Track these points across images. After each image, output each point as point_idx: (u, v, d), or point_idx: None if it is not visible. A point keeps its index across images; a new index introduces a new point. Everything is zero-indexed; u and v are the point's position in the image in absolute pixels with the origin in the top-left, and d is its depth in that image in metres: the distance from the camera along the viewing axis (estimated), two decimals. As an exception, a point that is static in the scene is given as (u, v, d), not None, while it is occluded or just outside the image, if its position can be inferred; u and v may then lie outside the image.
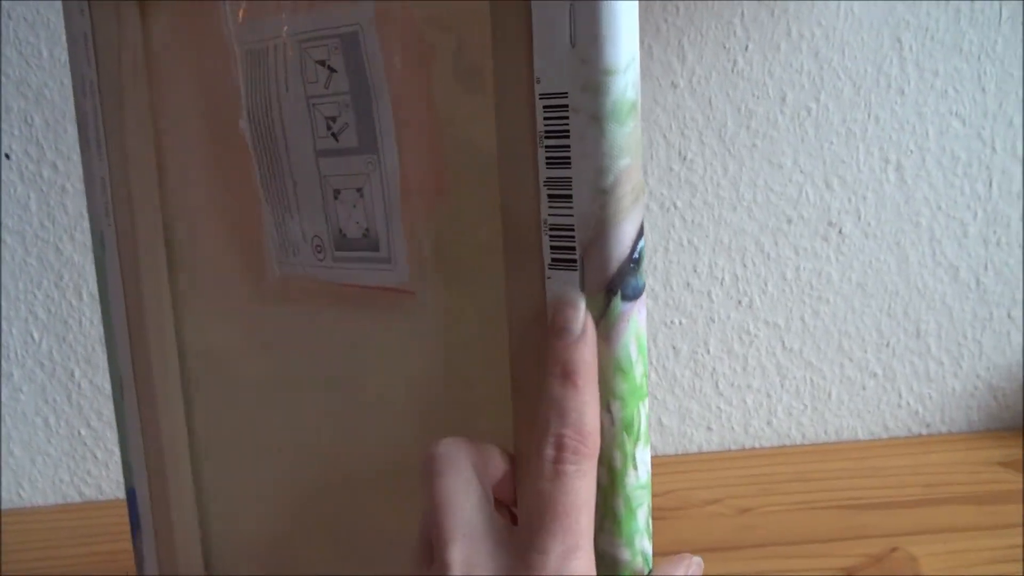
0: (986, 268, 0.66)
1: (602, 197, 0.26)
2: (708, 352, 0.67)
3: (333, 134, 0.33)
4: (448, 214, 0.32)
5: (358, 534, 0.37)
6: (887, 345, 0.67)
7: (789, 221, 0.64)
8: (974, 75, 0.62)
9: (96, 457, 0.66)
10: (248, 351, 0.40)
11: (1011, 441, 0.66)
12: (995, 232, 0.65)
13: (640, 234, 0.27)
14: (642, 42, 0.60)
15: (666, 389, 0.67)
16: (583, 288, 0.27)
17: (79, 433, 0.66)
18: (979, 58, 0.62)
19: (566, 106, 0.26)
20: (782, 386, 0.68)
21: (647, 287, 0.64)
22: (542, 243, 0.27)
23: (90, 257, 0.63)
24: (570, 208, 0.27)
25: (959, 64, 0.62)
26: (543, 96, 0.26)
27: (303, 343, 0.37)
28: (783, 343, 0.67)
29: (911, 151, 0.63)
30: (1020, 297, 0.66)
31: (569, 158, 0.26)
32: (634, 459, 0.28)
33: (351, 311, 0.35)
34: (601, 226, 0.26)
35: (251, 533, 0.42)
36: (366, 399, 0.36)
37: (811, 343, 0.67)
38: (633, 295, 0.27)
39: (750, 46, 0.62)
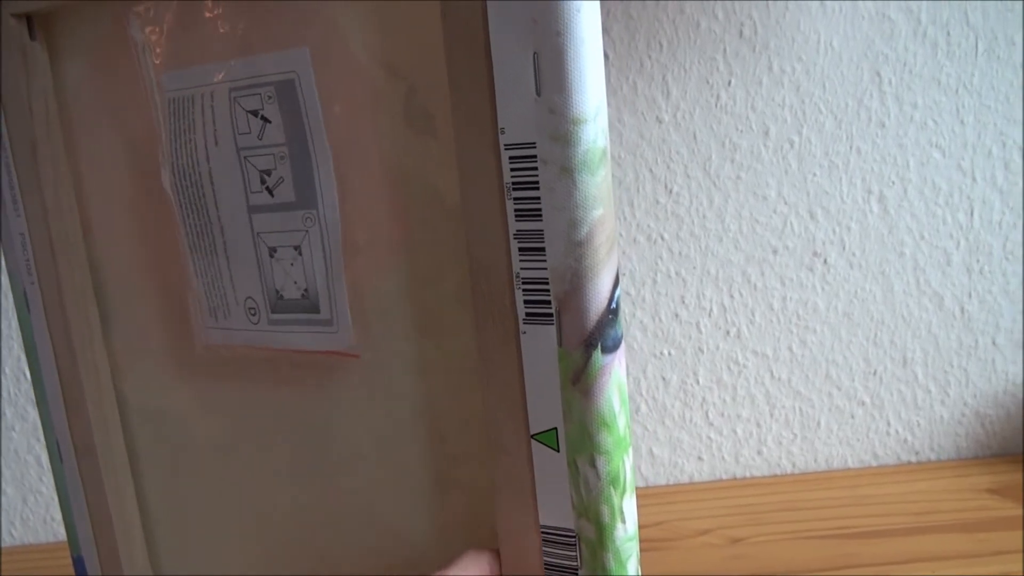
0: (970, 296, 0.66)
1: (577, 250, 0.25)
2: (698, 382, 0.67)
3: (268, 188, 0.31)
4: (409, 265, 0.31)
5: None
6: (874, 374, 0.67)
7: (775, 252, 0.65)
8: (953, 107, 0.63)
9: (88, 495, 0.66)
10: (194, 415, 0.38)
11: (1000, 468, 0.66)
12: (978, 261, 0.66)
13: (616, 283, 0.26)
14: (626, 78, 0.62)
15: (656, 420, 0.68)
16: (560, 342, 0.26)
17: None
18: (957, 91, 0.63)
19: (534, 157, 0.25)
20: (771, 415, 0.68)
21: (638, 321, 0.64)
22: (515, 297, 0.27)
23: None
24: (543, 261, 0.26)
25: (938, 97, 0.63)
26: (509, 147, 0.25)
27: (251, 406, 0.36)
28: (771, 372, 0.67)
29: (893, 182, 0.64)
30: (1004, 324, 0.67)
31: (540, 210, 0.25)
32: (622, 512, 0.27)
33: (295, 373, 0.34)
34: (577, 279, 0.25)
35: None
36: (332, 460, 0.35)
37: (799, 372, 0.67)
38: (613, 346, 0.26)
39: (733, 81, 0.63)
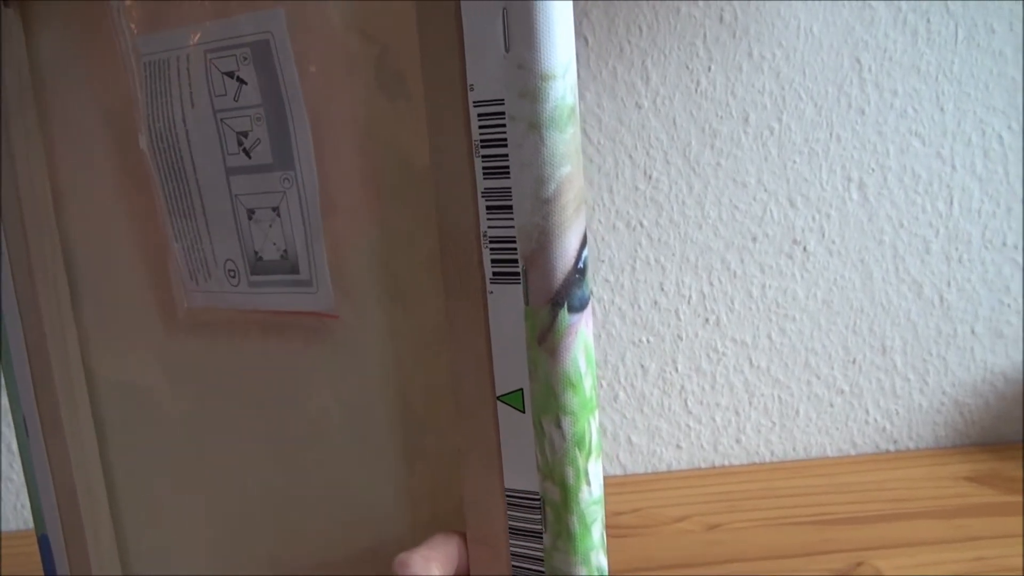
0: (949, 285, 0.66)
1: (544, 207, 0.25)
2: (676, 370, 0.67)
3: (245, 150, 0.31)
4: (380, 230, 0.30)
5: (296, 569, 0.36)
6: (853, 362, 0.67)
7: (754, 239, 0.65)
8: (932, 95, 0.63)
9: (60, 481, 0.65)
10: (167, 385, 0.38)
11: (978, 456, 0.66)
12: (957, 249, 0.66)
13: (584, 243, 0.26)
14: (606, 63, 0.61)
15: (635, 408, 0.67)
16: (527, 302, 0.26)
17: (43, 457, 0.65)
18: (937, 78, 0.63)
19: (503, 114, 0.25)
20: (750, 404, 0.68)
21: (616, 308, 0.64)
22: (482, 256, 0.27)
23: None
24: (511, 219, 0.26)
25: (917, 84, 0.63)
26: (477, 104, 0.25)
27: (224, 375, 0.36)
28: (751, 361, 0.67)
29: (873, 170, 0.64)
30: (983, 313, 0.67)
31: (508, 168, 0.25)
32: (587, 474, 0.27)
33: (271, 339, 0.33)
34: (544, 237, 0.25)
35: (178, 572, 0.40)
36: (300, 427, 0.34)
37: (778, 361, 0.67)
38: (580, 306, 0.26)
39: (713, 67, 0.63)
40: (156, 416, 0.38)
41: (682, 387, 0.67)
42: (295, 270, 0.32)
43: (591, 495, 0.27)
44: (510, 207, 0.26)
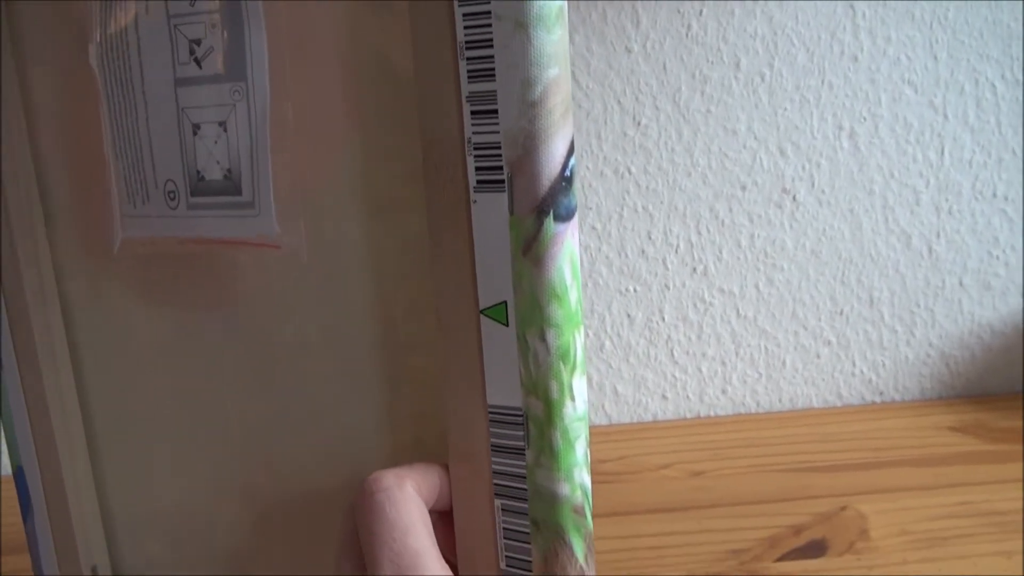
0: (938, 236, 0.66)
1: (531, 111, 0.24)
2: (663, 320, 0.67)
3: (196, 59, 0.30)
4: (360, 144, 0.29)
5: (275, 498, 0.36)
6: (841, 313, 0.67)
7: (743, 188, 0.64)
8: (926, 43, 0.63)
9: None
10: (136, 316, 0.36)
11: (963, 408, 0.66)
12: (947, 200, 0.65)
13: (571, 150, 0.25)
14: (595, 5, 0.60)
15: (621, 358, 0.67)
16: (512, 211, 0.25)
17: None
18: (931, 25, 0.62)
19: (488, 13, 0.24)
20: (737, 354, 0.68)
21: (603, 256, 0.63)
22: (467, 164, 0.26)
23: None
24: (496, 124, 0.25)
25: (911, 32, 0.62)
26: (463, 3, 0.25)
27: (198, 299, 0.34)
28: (738, 311, 0.67)
29: (864, 118, 0.64)
30: (971, 265, 0.66)
31: (493, 70, 0.25)
32: (571, 389, 0.27)
33: (243, 261, 0.32)
34: (530, 142, 0.25)
35: (160, 507, 0.39)
36: (278, 355, 0.33)
37: (765, 311, 0.67)
38: (566, 215, 0.25)
39: (704, 11, 0.62)
40: (131, 343, 0.37)
41: (668, 337, 0.67)
42: (237, 191, 0.30)
43: (575, 411, 0.27)
44: (495, 111, 0.25)
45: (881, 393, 0.69)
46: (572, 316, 0.26)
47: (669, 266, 0.66)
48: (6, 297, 0.38)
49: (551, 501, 0.27)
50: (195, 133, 0.31)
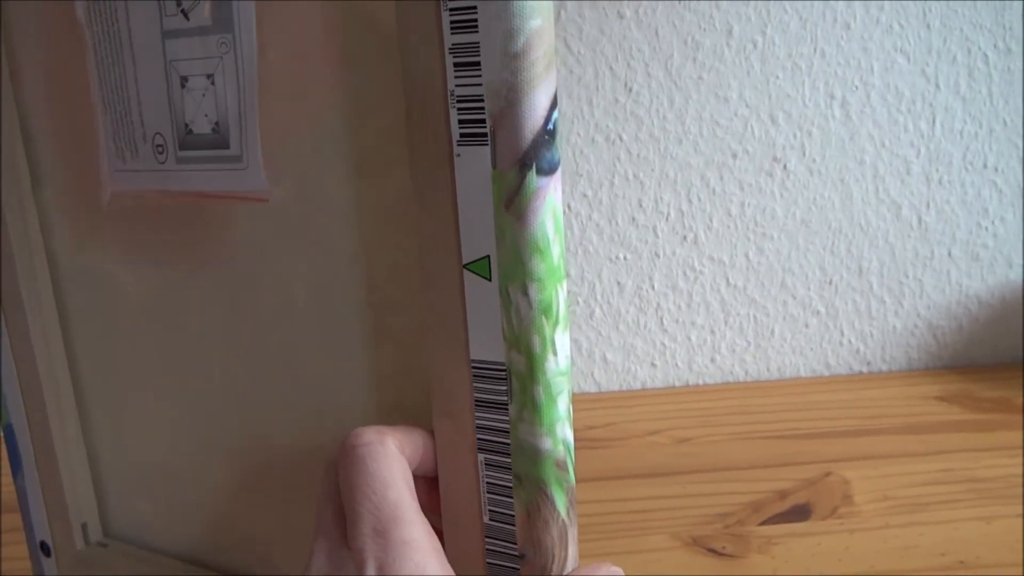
0: (928, 206, 0.66)
1: (513, 62, 0.24)
2: (653, 288, 0.67)
3: (183, 11, 0.30)
4: (343, 99, 0.29)
5: (261, 458, 0.36)
6: (830, 283, 0.67)
7: (734, 156, 0.64)
8: (919, 11, 0.62)
9: None
10: (121, 273, 0.36)
11: (949, 378, 0.67)
12: (937, 170, 0.65)
13: (554, 104, 0.25)
14: (588, -31, 0.60)
15: (610, 325, 0.67)
16: (494, 164, 0.25)
17: None
18: (924, -7, 0.62)
19: None
20: (726, 323, 0.68)
21: (594, 224, 0.63)
22: (449, 117, 0.25)
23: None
24: (478, 76, 0.25)
25: (905, -1, 0.62)
26: None
27: (182, 258, 0.34)
28: (727, 280, 0.67)
29: (856, 87, 0.63)
30: (960, 236, 0.67)
31: (476, 21, 0.24)
32: (553, 344, 0.26)
33: (229, 218, 0.32)
34: (513, 94, 0.24)
35: (145, 464, 0.39)
36: (263, 314, 0.33)
37: (755, 280, 0.67)
38: (548, 169, 0.25)
39: (697, -24, 0.61)
40: (118, 302, 0.37)
41: (658, 305, 0.67)
42: (225, 144, 0.30)
43: (557, 366, 0.27)
44: (478, 63, 0.25)
45: (868, 363, 0.69)
46: (555, 270, 0.26)
47: (659, 234, 0.66)
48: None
49: (533, 456, 0.27)
50: (183, 86, 0.30)
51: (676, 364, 0.68)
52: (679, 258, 0.66)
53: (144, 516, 0.40)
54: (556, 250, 0.26)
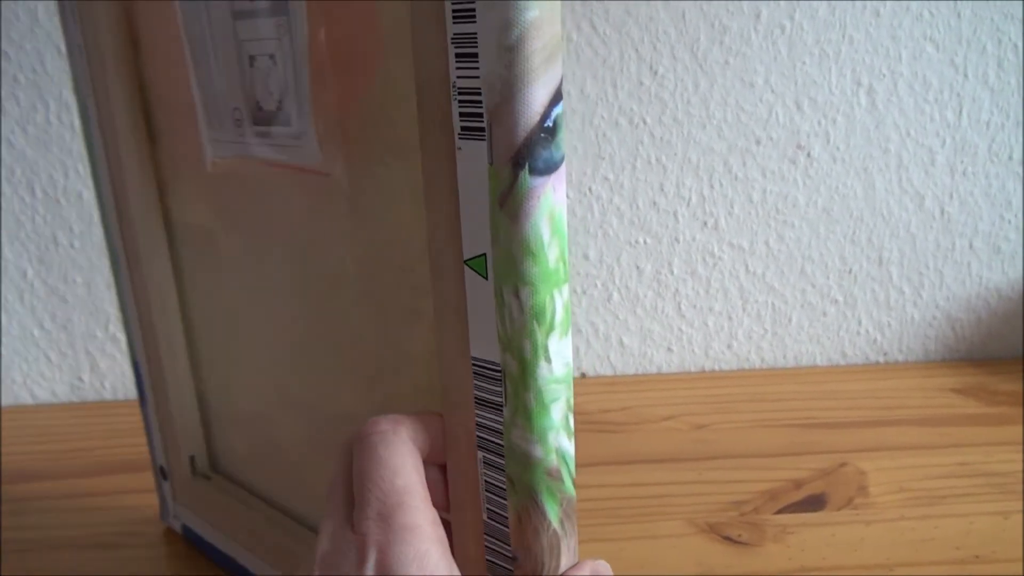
0: (951, 197, 0.66)
1: (507, 55, 0.23)
2: (672, 273, 0.67)
3: None
4: (383, 82, 0.29)
5: (325, 411, 0.37)
6: (849, 272, 0.67)
7: (758, 142, 0.64)
8: (950, -1, 0.61)
9: (49, 359, 0.65)
10: (221, 229, 0.39)
11: (966, 370, 0.67)
12: (962, 161, 0.65)
13: (555, 100, 0.23)
14: (617, -50, 0.59)
15: (628, 309, 0.67)
16: (491, 160, 0.24)
17: (32, 334, 0.65)
18: (956, -18, 0.61)
19: None
20: (744, 310, 0.68)
21: (615, 207, 0.63)
22: (452, 109, 0.24)
23: (43, 152, 0.61)
24: (476, 68, 0.23)
25: (936, -13, 0.61)
26: None
27: (260, 223, 0.36)
28: (747, 266, 0.67)
29: (884, 75, 0.63)
30: (982, 228, 0.66)
31: (474, 11, 0.23)
32: (546, 350, 0.25)
33: (295, 191, 0.33)
34: (507, 89, 0.23)
35: (238, 406, 0.42)
36: (322, 280, 0.34)
37: (774, 267, 0.67)
38: (545, 169, 0.24)
39: (726, -41, 0.60)
40: (218, 258, 0.40)
41: (676, 290, 0.67)
42: (288, 122, 0.31)
43: (551, 372, 0.26)
44: (476, 55, 0.23)
45: (885, 353, 0.69)
46: (550, 275, 0.25)
47: (680, 219, 0.65)
48: (117, 207, 0.42)
49: (524, 461, 0.26)
50: (251, 64, 0.31)
51: (693, 349, 0.68)
52: (699, 243, 0.66)
53: (240, 455, 0.44)
54: (553, 253, 0.25)
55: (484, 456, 0.27)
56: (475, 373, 0.27)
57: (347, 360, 0.34)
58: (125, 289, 0.44)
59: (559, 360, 0.26)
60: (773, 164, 0.64)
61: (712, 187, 0.65)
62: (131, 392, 0.66)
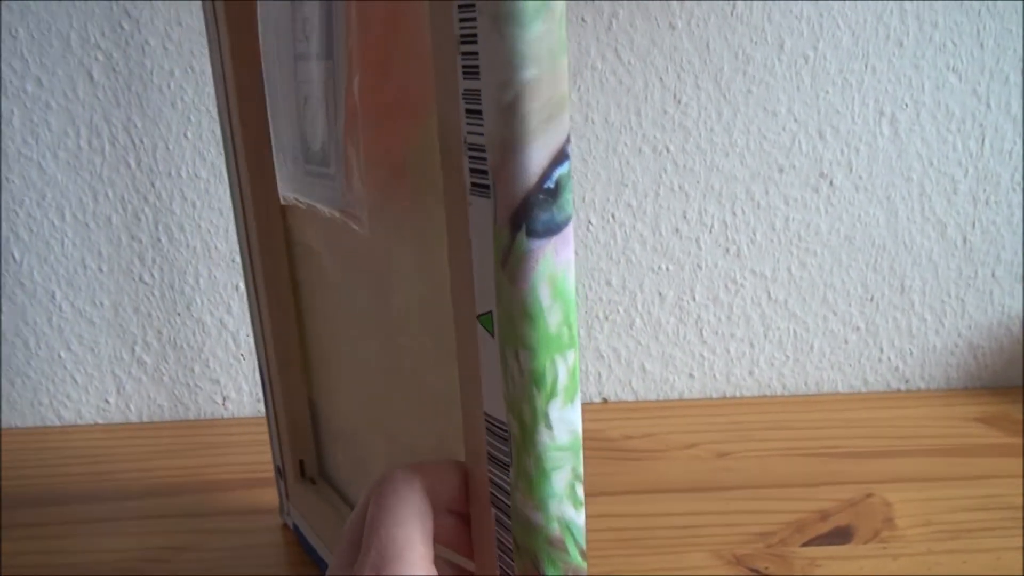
0: (973, 226, 0.66)
1: (504, 115, 0.22)
2: (694, 299, 0.67)
3: (306, 36, 0.31)
4: (436, 130, 0.30)
5: (405, 434, 0.37)
6: (871, 299, 0.67)
7: (781, 170, 0.64)
8: (973, 29, 0.62)
9: (75, 381, 0.66)
10: (324, 248, 0.41)
11: (989, 399, 0.66)
12: (984, 190, 0.65)
13: (557, 160, 0.23)
14: (642, -20, 0.60)
15: (650, 335, 0.67)
16: (495, 219, 0.23)
17: (59, 356, 0.65)
18: (979, 12, 0.61)
19: (473, 6, 0.22)
20: (765, 336, 0.68)
21: (637, 234, 0.63)
22: (463, 164, 0.24)
23: (73, 176, 0.62)
24: (481, 125, 0.23)
25: (959, 17, 0.62)
26: None
27: (344, 254, 0.38)
28: (769, 293, 0.67)
29: (906, 104, 0.63)
30: (1005, 256, 0.66)
31: (478, 67, 0.23)
32: (547, 417, 0.24)
33: (363, 230, 0.34)
34: (505, 149, 0.22)
35: (337, 418, 0.45)
36: (392, 314, 0.35)
37: (796, 295, 0.67)
38: (545, 232, 0.23)
39: (751, -10, 0.61)
40: (323, 280, 0.42)
41: (699, 316, 0.67)
42: (327, 163, 0.31)
43: (552, 440, 0.25)
44: (481, 112, 0.23)
45: (907, 381, 0.69)
46: (551, 340, 0.24)
47: (702, 246, 0.66)
48: (247, 228, 0.45)
49: (526, 526, 0.26)
50: (304, 105, 0.31)
51: (714, 376, 0.69)
52: (721, 270, 0.66)
53: (340, 465, 0.46)
54: (554, 317, 0.24)
55: (496, 514, 0.27)
56: (488, 429, 0.26)
57: (415, 392, 0.35)
58: (253, 299, 0.47)
59: (563, 427, 0.25)
60: (796, 192, 0.64)
61: (734, 214, 0.65)
62: (156, 414, 0.67)
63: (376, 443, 0.40)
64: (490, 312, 0.25)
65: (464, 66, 0.23)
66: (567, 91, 0.23)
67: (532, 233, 0.23)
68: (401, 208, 0.32)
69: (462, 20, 0.23)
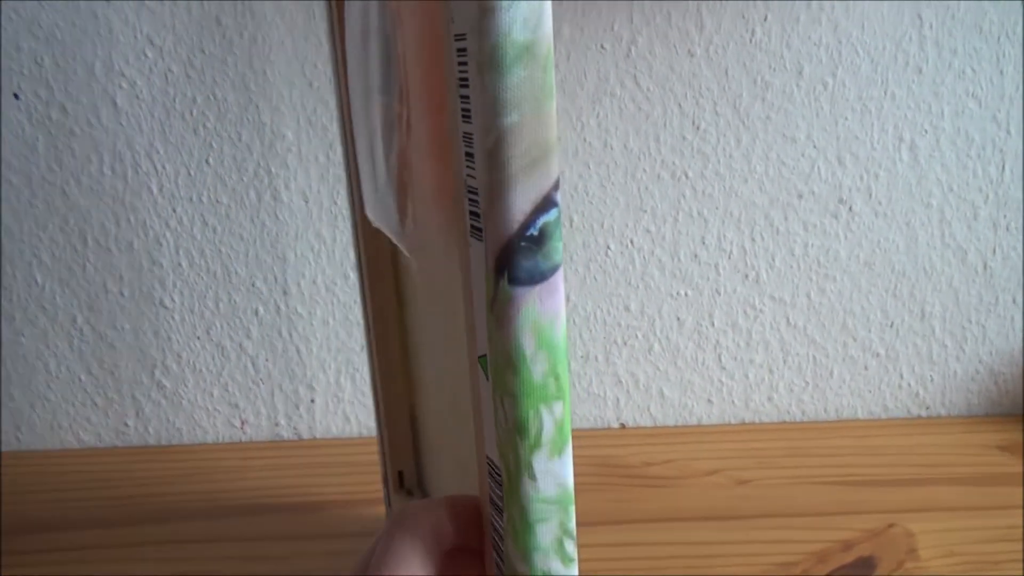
0: (994, 252, 0.65)
1: (487, 160, 0.22)
2: (712, 325, 0.67)
3: (370, 71, 0.31)
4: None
5: (472, 464, 0.38)
6: (891, 326, 0.67)
7: (800, 196, 0.64)
8: (993, 56, 0.62)
9: (95, 404, 0.66)
10: (414, 262, 0.41)
11: (1010, 426, 0.66)
12: (1005, 216, 0.65)
13: (541, 208, 0.22)
14: (660, 8, 0.60)
15: (668, 361, 0.67)
16: (485, 263, 0.23)
17: (79, 379, 0.66)
18: (999, 39, 0.61)
19: (465, 50, 0.22)
20: (784, 362, 0.67)
21: (656, 259, 0.63)
22: (464, 207, 0.24)
23: (96, 202, 0.62)
24: (474, 168, 0.23)
25: (978, 44, 0.62)
26: (457, 37, 0.23)
27: (424, 275, 0.39)
28: (788, 319, 0.67)
29: (926, 131, 0.63)
30: (1027, 282, 0.66)
31: (470, 111, 0.23)
32: (530, 467, 0.24)
33: (437, 259, 0.34)
34: (488, 195, 0.22)
35: (436, 431, 0.45)
36: (451, 332, 0.35)
37: (815, 320, 0.67)
38: (528, 280, 0.23)
39: (769, 16, 0.61)
40: (415, 294, 0.43)
41: (717, 342, 0.67)
42: (388, 196, 0.32)
43: (536, 492, 0.24)
44: (473, 155, 0.23)
45: (927, 407, 0.69)
46: (534, 389, 0.23)
47: (721, 272, 0.65)
48: (356, 238, 0.46)
49: (515, 574, 0.25)
50: (375, 137, 0.32)
51: (733, 401, 0.68)
52: (740, 296, 0.66)
53: (439, 476, 0.46)
54: (539, 367, 0.23)
55: (495, 556, 0.27)
56: (488, 472, 0.26)
57: (467, 422, 0.35)
58: (366, 307, 0.48)
59: (548, 480, 0.24)
60: (815, 218, 0.64)
61: (753, 240, 0.65)
62: (175, 438, 0.67)
63: (453, 464, 0.40)
64: (484, 355, 0.25)
65: (463, 109, 0.23)
66: (554, 137, 0.22)
67: (514, 280, 0.23)
68: (451, 238, 0.32)
69: (459, 64, 0.23)
